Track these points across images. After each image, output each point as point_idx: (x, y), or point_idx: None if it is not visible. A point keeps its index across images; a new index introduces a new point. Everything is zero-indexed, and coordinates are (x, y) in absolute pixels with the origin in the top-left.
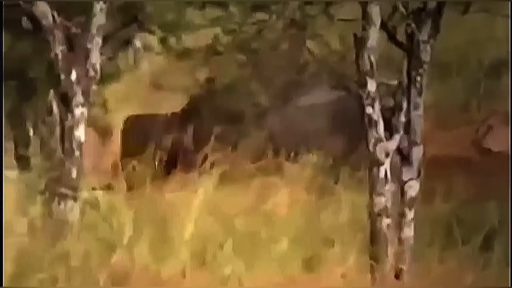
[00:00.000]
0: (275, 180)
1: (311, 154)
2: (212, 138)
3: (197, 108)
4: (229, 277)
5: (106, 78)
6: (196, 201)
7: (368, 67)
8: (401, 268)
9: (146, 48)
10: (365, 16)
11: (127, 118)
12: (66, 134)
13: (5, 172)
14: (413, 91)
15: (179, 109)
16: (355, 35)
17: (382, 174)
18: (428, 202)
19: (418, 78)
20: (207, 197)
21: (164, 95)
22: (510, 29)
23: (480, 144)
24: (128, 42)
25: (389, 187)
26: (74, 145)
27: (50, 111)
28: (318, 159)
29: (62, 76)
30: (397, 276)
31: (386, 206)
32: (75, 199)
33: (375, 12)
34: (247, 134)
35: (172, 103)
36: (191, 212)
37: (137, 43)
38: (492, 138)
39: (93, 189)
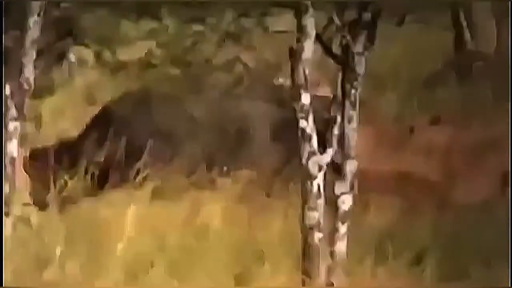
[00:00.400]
0: (208, 194)
1: (242, 169)
2: (145, 153)
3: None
4: None
5: (40, 92)
6: (128, 217)
7: (302, 80)
8: (332, 283)
9: (81, 62)
10: (300, 28)
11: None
12: None
13: None
14: (347, 104)
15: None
16: (290, 48)
17: (315, 188)
18: (361, 216)
19: (353, 91)
20: (140, 212)
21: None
22: (510, 29)
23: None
24: (63, 56)
25: (322, 201)
26: (6, 160)
27: None
28: (251, 173)
29: None
30: None
31: (318, 220)
32: (7, 214)
33: (310, 24)
34: (181, 149)
35: None
36: (123, 228)
37: (72, 57)
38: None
39: (26, 204)
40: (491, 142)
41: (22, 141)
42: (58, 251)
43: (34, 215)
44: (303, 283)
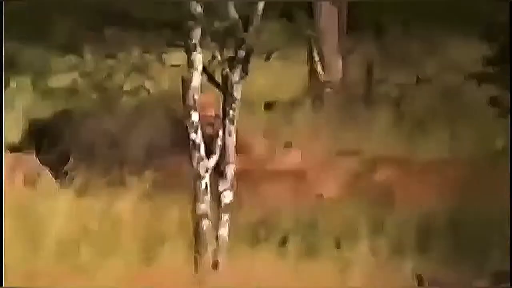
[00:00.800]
0: (121, 191)
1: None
2: (71, 159)
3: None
4: (87, 269)
5: None
6: (59, 206)
7: (192, 103)
8: (217, 260)
9: (20, 88)
10: (190, 63)
11: None
12: None
13: None
14: (227, 122)
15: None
16: (182, 77)
17: (203, 186)
18: (239, 208)
19: (231, 112)
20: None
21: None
22: (510, 29)
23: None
24: (6, 84)
25: (208, 196)
26: None
27: None
28: (155, 174)
29: None
30: (214, 266)
31: (206, 211)
32: None
33: (197, 59)
34: (99, 155)
35: None
36: (55, 214)
37: (13, 84)
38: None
39: None
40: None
41: None
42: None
43: None
44: (195, 260)
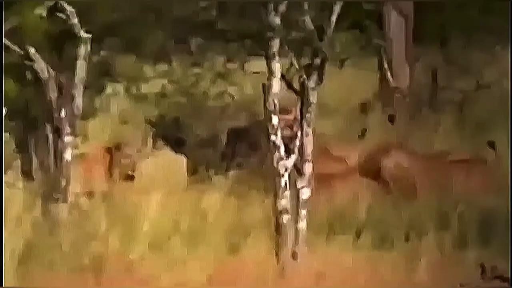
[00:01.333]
0: (207, 188)
1: (231, 169)
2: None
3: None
4: (176, 260)
5: (86, 115)
6: (152, 204)
7: (272, 107)
8: (296, 252)
9: (115, 93)
10: (269, 70)
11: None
12: (58, 156)
13: (15, 183)
14: (305, 124)
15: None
16: (263, 84)
17: (283, 184)
18: (316, 204)
19: (308, 115)
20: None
21: (128, 128)
22: (510, 29)
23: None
24: (102, 89)
25: (288, 193)
26: (63, 163)
27: (46, 140)
28: (239, 172)
29: (55, 115)
30: (294, 257)
31: (286, 206)
32: (65, 202)
33: (276, 67)
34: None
35: (134, 134)
36: (148, 212)
37: (108, 90)
38: None
39: (77, 195)
40: None
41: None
42: (101, 228)
43: (84, 201)
44: (276, 252)
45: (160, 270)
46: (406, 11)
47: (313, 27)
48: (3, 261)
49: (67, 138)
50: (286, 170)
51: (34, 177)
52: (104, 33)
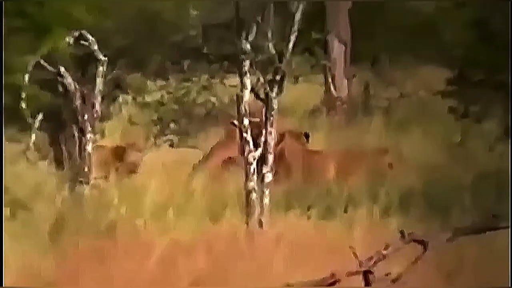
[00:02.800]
0: (196, 173)
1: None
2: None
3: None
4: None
5: (103, 118)
6: (150, 185)
7: (244, 112)
8: (262, 220)
9: (125, 102)
10: (242, 84)
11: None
12: (82, 148)
13: (48, 169)
14: (268, 124)
15: None
16: (237, 94)
17: (251, 170)
18: (277, 185)
19: (271, 117)
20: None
21: (136, 128)
22: (510, 29)
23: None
24: (115, 98)
25: (255, 177)
26: (85, 154)
27: (73, 136)
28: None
29: (79, 118)
30: (260, 225)
31: (254, 186)
32: (87, 184)
33: (247, 82)
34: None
35: (140, 133)
36: (149, 190)
37: (120, 99)
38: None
39: (96, 178)
40: None
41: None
42: (115, 202)
43: (101, 183)
44: (247, 221)
45: (158, 234)
46: (345, 39)
47: (275, 52)
48: (3, 261)
49: (89, 136)
50: (254, 159)
51: (64, 165)
52: (117, 56)
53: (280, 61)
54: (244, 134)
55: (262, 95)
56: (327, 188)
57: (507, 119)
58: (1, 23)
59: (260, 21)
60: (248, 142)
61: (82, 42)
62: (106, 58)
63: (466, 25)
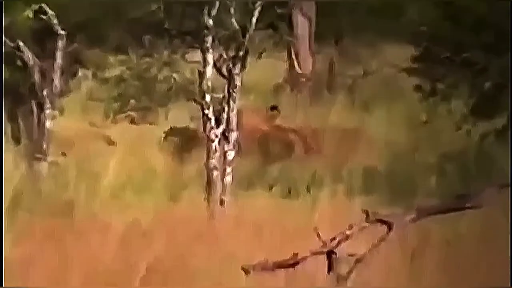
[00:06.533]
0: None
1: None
2: None
3: None
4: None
5: (62, 94)
6: (111, 161)
7: (206, 88)
8: (223, 199)
9: (85, 77)
10: (204, 60)
11: None
12: (40, 125)
13: (5, 146)
14: (231, 101)
15: None
16: (199, 70)
17: (213, 147)
18: (241, 159)
19: (234, 94)
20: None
21: (95, 104)
22: (510, 29)
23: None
24: (75, 73)
25: (217, 154)
26: (45, 131)
27: (31, 112)
28: (179, 137)
29: (39, 93)
30: (221, 203)
31: (215, 164)
32: (45, 160)
33: (210, 58)
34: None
35: (99, 109)
36: (109, 167)
37: (80, 73)
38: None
39: (54, 155)
40: None
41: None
42: (71, 179)
43: (59, 161)
44: (208, 199)
45: (116, 213)
46: (309, 14)
47: (238, 27)
48: (3, 261)
49: (48, 112)
50: (216, 136)
51: (22, 141)
52: (76, 30)
53: (243, 37)
54: (206, 111)
55: (224, 72)
56: (290, 166)
57: (473, 97)
58: (1, 23)
59: None
60: (210, 119)
61: (41, 16)
62: (66, 32)
63: (431, 2)
